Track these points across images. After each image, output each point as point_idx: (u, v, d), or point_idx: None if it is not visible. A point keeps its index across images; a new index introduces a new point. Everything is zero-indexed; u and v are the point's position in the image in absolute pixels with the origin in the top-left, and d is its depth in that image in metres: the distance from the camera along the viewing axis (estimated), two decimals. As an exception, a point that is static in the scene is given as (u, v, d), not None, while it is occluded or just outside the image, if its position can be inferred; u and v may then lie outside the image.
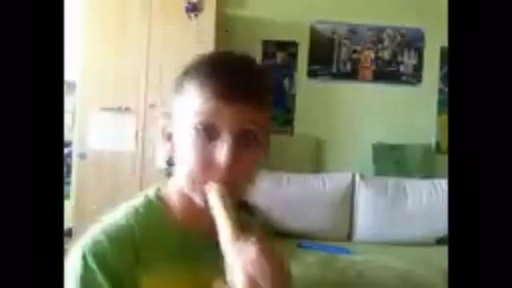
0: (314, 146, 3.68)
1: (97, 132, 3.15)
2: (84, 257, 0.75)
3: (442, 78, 3.71)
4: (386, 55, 3.73)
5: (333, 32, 3.70)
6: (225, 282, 0.67)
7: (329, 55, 3.71)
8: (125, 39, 3.15)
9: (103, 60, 3.11)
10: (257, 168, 0.81)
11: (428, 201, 3.33)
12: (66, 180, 3.29)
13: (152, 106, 3.12)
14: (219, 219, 0.73)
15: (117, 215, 0.82)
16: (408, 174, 3.53)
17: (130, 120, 3.15)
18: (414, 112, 3.71)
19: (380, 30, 3.71)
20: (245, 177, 0.79)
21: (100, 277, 0.74)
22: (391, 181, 3.42)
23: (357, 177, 3.42)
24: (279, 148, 3.56)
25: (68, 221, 2.94)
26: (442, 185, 3.36)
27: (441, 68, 3.71)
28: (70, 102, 3.22)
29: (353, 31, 3.71)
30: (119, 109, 3.14)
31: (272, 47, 3.67)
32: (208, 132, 0.76)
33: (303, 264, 2.71)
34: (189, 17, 3.14)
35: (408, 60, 3.74)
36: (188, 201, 0.82)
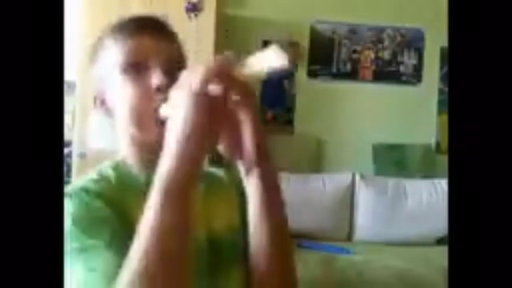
0: (314, 146, 3.68)
1: (97, 132, 3.15)
2: (72, 196, 0.78)
3: (442, 78, 3.71)
4: (386, 55, 3.73)
5: (333, 32, 3.70)
6: None
7: (329, 55, 3.71)
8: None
9: (103, 60, 3.11)
10: None
11: (428, 201, 3.33)
12: (66, 179, 3.29)
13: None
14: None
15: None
16: (408, 174, 3.53)
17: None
18: (414, 112, 3.71)
19: (380, 30, 3.71)
20: None
21: (97, 202, 0.78)
22: (391, 181, 3.43)
23: (357, 177, 3.42)
24: (279, 148, 3.56)
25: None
26: (442, 185, 3.36)
27: (441, 68, 3.71)
28: (70, 102, 3.22)
29: (353, 31, 3.71)
30: (119, 109, 3.13)
31: (272, 47, 3.66)
32: (136, 70, 0.82)
33: (303, 264, 2.71)
34: (189, 17, 3.14)
35: (408, 60, 3.74)
36: (141, 145, 0.86)
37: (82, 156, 3.16)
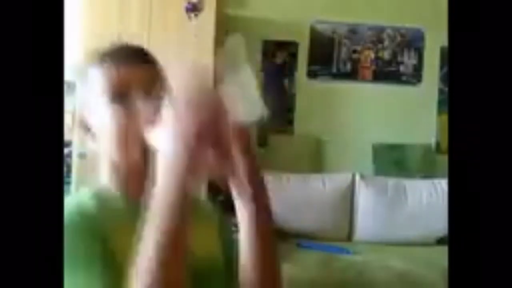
0: (314, 146, 3.68)
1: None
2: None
3: (442, 78, 3.71)
4: (386, 55, 3.73)
5: (333, 32, 3.70)
6: None
7: (329, 55, 3.71)
8: (125, 39, 3.14)
9: (103, 60, 3.11)
10: None
11: (428, 201, 3.33)
12: (66, 179, 3.29)
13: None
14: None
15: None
16: (408, 174, 3.53)
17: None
18: (414, 112, 3.71)
19: (380, 30, 3.71)
20: None
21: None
22: (391, 181, 3.42)
23: (357, 177, 3.42)
24: (279, 148, 3.56)
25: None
26: (442, 185, 3.36)
27: (441, 68, 3.71)
28: (70, 102, 3.22)
29: (353, 31, 3.71)
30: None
31: (272, 47, 3.67)
32: (120, 98, 0.84)
33: (303, 264, 2.71)
34: (189, 17, 3.14)
35: (408, 60, 3.74)
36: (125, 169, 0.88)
37: (82, 156, 3.15)
